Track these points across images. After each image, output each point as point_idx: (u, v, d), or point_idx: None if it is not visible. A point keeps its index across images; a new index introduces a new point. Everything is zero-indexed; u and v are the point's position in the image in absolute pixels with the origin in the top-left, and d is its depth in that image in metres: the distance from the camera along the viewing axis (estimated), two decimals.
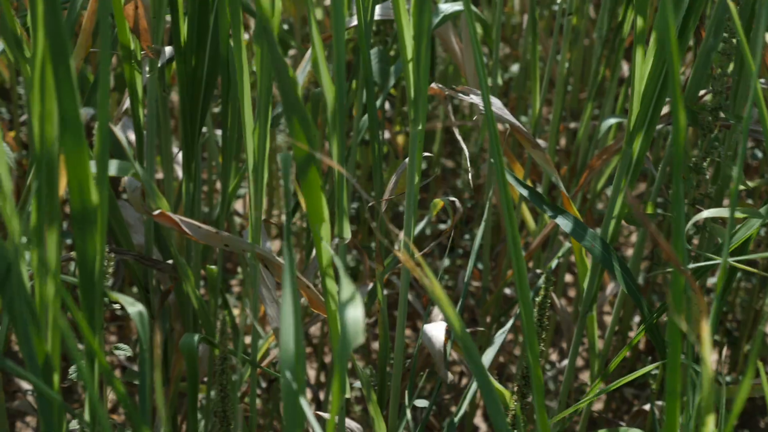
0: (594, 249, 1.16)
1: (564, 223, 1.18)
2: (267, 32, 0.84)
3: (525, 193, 1.20)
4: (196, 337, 1.19)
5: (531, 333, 0.92)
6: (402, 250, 1.06)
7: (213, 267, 1.51)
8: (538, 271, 1.74)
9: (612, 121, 1.57)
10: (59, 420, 0.83)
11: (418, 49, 0.95)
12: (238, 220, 2.17)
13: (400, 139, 2.16)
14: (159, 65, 1.30)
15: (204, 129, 1.79)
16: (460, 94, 1.23)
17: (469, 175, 1.16)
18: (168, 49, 1.32)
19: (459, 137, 1.25)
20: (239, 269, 2.12)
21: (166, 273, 1.40)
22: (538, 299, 1.13)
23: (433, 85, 1.23)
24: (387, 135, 2.11)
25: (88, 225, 0.76)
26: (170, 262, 1.39)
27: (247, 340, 1.95)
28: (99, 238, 0.77)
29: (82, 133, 0.74)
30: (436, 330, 1.22)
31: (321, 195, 0.87)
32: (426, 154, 1.27)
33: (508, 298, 1.98)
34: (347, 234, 0.95)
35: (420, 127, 1.01)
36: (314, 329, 2.05)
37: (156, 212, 1.01)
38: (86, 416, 0.90)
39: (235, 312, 1.90)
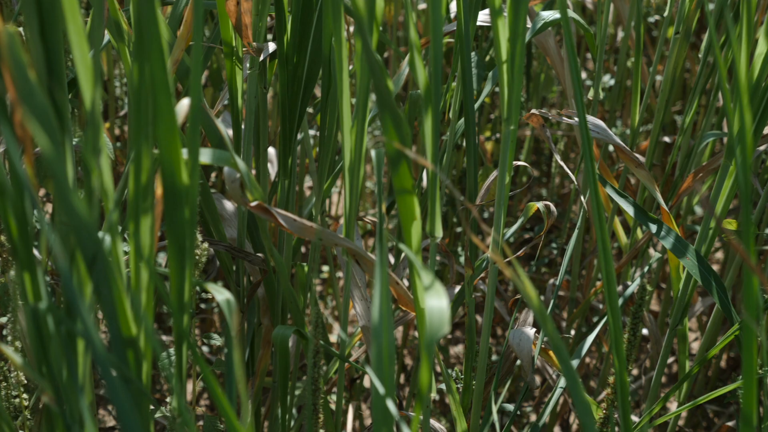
0: (691, 264, 1.11)
1: (666, 240, 1.14)
2: (362, 32, 0.81)
3: (628, 207, 1.15)
4: (289, 330, 1.16)
5: (619, 341, 0.88)
6: (493, 251, 1.02)
7: (303, 264, 1.49)
8: (628, 282, 1.68)
9: (711, 136, 1.50)
10: (144, 409, 0.81)
11: (512, 51, 0.91)
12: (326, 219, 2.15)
13: (489, 145, 2.11)
14: (260, 62, 1.28)
15: None
16: (564, 118, 1.19)
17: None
18: (269, 46, 1.30)
19: (553, 148, 1.20)
20: (323, 267, 2.10)
21: (256, 265, 1.38)
22: (631, 308, 1.08)
23: (534, 111, 1.20)
24: None
25: (179, 210, 0.74)
26: (260, 255, 1.37)
27: (332, 338, 1.93)
28: (189, 223, 0.75)
29: (175, 120, 0.71)
30: (524, 335, 1.18)
31: (413, 193, 0.83)
32: (518, 163, 1.22)
33: (594, 308, 1.92)
34: (439, 233, 0.92)
35: (513, 127, 0.96)
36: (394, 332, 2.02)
37: (253, 203, 0.99)
38: (171, 406, 0.88)
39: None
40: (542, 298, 1.76)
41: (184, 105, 0.78)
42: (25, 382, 1.12)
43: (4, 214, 0.70)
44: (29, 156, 0.67)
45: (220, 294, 0.84)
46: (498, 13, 0.91)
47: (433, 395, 1.80)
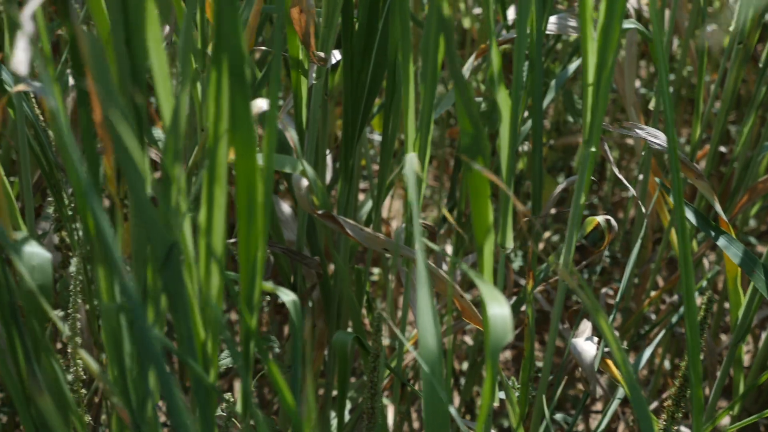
0: (758, 278, 1.08)
1: (732, 252, 1.11)
2: (449, 47, 0.79)
3: (690, 217, 1.12)
4: (349, 336, 1.15)
5: (696, 358, 0.85)
6: (561, 264, 1.00)
7: (359, 267, 1.48)
8: (682, 293, 1.64)
9: None
10: (212, 407, 0.80)
11: (599, 75, 0.88)
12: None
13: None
14: (326, 72, 1.27)
15: None
16: (628, 130, 1.17)
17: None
18: (334, 55, 1.29)
19: (611, 161, 1.17)
20: (374, 270, 2.08)
21: (312, 269, 1.37)
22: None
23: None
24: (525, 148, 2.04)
25: (253, 217, 0.73)
26: (317, 258, 1.36)
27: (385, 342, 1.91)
28: (262, 229, 0.74)
29: (253, 131, 0.70)
30: (586, 344, 1.15)
31: (488, 203, 0.81)
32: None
33: (645, 318, 1.89)
34: (510, 244, 0.90)
35: (593, 149, 0.94)
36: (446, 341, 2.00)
37: (320, 212, 0.97)
38: (238, 406, 0.87)
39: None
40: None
41: (258, 105, 0.77)
42: (84, 377, 1.12)
43: (82, 212, 0.69)
44: (109, 158, 0.66)
45: (287, 296, 0.83)
46: (587, 36, 0.89)
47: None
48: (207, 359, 0.78)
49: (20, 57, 0.52)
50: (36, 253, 0.91)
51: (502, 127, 0.82)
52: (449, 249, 1.97)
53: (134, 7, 0.63)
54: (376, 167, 2.18)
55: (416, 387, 1.75)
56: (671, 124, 0.75)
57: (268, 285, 0.80)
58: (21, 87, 0.91)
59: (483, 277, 0.89)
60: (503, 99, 0.81)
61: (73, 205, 1.30)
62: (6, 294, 0.82)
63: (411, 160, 0.94)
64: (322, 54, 1.23)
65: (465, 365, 1.94)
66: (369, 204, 1.73)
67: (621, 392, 1.23)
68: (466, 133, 0.76)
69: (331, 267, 1.60)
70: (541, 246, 2.03)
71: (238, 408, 0.86)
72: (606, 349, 1.20)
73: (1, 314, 0.77)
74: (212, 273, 0.75)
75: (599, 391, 1.22)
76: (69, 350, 1.08)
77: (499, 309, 0.71)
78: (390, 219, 2.15)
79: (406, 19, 0.92)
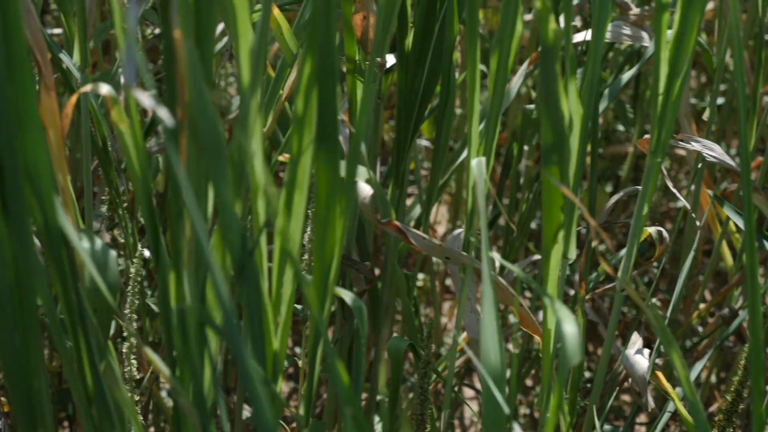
0: None
1: None
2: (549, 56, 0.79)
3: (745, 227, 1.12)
4: (404, 343, 1.16)
5: (758, 370, 0.85)
6: (620, 274, 1.00)
7: (409, 273, 1.48)
8: (734, 306, 1.64)
9: None
10: (278, 413, 0.81)
11: (671, 80, 0.88)
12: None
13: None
14: (380, 76, 1.28)
15: None
16: (684, 143, 1.16)
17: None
18: (389, 59, 1.30)
19: (665, 174, 1.17)
20: (419, 276, 2.09)
21: (363, 274, 1.38)
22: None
23: (646, 136, 1.18)
24: None
25: (330, 225, 0.74)
26: (367, 264, 1.36)
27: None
28: (339, 238, 0.74)
29: (338, 141, 0.71)
30: (637, 357, 1.15)
31: (560, 215, 0.81)
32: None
33: (693, 330, 1.88)
34: (572, 254, 0.90)
35: (659, 159, 0.94)
36: None
37: (384, 221, 0.98)
38: (301, 410, 0.88)
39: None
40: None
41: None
42: (137, 377, 1.13)
43: (173, 213, 0.70)
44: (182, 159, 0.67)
45: (352, 300, 0.84)
46: (661, 45, 0.89)
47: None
48: (276, 366, 0.78)
49: (128, 66, 0.53)
50: (103, 251, 0.92)
51: (573, 136, 0.83)
52: (495, 255, 1.97)
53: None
54: (423, 172, 2.18)
55: (460, 393, 1.75)
56: (747, 152, 0.75)
57: (337, 289, 0.81)
58: (87, 88, 0.92)
59: (547, 289, 0.90)
60: (575, 107, 0.82)
61: (126, 204, 1.31)
62: (73, 293, 0.82)
63: (479, 164, 0.94)
64: (378, 59, 1.23)
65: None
66: (416, 209, 1.73)
67: (671, 405, 1.23)
68: (548, 145, 0.76)
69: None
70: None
71: (301, 411, 0.87)
72: (657, 361, 1.20)
73: (69, 312, 0.77)
74: (285, 279, 0.76)
75: (651, 403, 1.22)
76: (124, 350, 1.09)
77: (570, 328, 0.71)
78: (435, 224, 2.15)
79: (475, 26, 0.92)
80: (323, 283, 0.75)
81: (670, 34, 0.94)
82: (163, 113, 0.57)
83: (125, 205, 1.31)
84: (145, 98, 0.55)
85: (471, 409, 1.36)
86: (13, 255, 0.68)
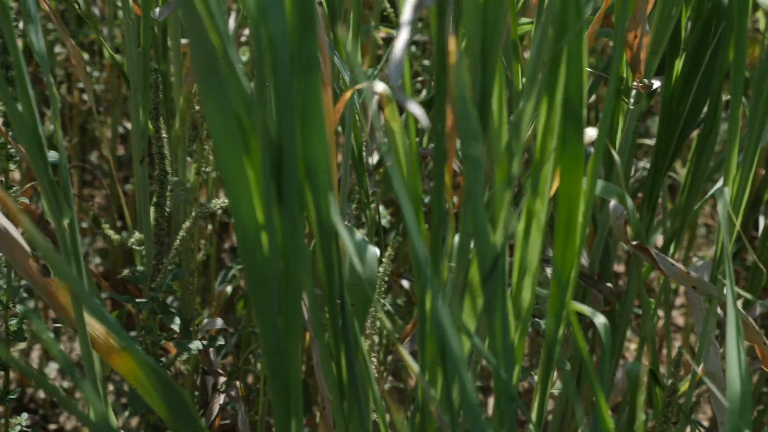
0: None
1: None
2: None
3: None
4: (644, 368, 1.17)
5: None
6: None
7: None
8: None
9: None
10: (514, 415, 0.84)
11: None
12: None
13: None
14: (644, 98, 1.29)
15: None
16: None
17: None
18: (654, 82, 1.31)
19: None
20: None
21: (605, 295, 1.39)
22: None
23: None
24: None
25: (571, 237, 0.77)
26: (609, 285, 1.37)
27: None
28: (578, 250, 0.77)
29: (582, 155, 0.74)
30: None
31: None
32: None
33: None
34: None
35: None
36: None
37: (634, 243, 1.00)
38: (533, 416, 0.91)
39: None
40: None
41: (589, 135, 0.81)
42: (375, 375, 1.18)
43: (434, 221, 0.76)
44: (450, 166, 0.73)
45: (598, 318, 0.86)
46: None
47: None
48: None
49: (395, 65, 0.58)
50: (362, 246, 0.99)
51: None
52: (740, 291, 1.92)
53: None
54: None
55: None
56: None
57: (578, 305, 0.84)
58: (361, 85, 0.98)
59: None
60: None
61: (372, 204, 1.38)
62: (338, 286, 0.80)
63: (725, 194, 0.95)
64: (646, 80, 1.25)
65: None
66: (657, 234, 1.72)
67: None
68: None
69: None
70: None
71: (533, 416, 0.90)
72: None
73: (330, 305, 0.78)
74: (524, 287, 0.80)
75: None
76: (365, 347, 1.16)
77: None
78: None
79: (742, 57, 0.93)
80: (561, 293, 0.78)
81: None
82: (422, 117, 0.60)
83: (372, 205, 1.36)
84: (414, 106, 0.61)
85: None
86: (284, 244, 0.71)
